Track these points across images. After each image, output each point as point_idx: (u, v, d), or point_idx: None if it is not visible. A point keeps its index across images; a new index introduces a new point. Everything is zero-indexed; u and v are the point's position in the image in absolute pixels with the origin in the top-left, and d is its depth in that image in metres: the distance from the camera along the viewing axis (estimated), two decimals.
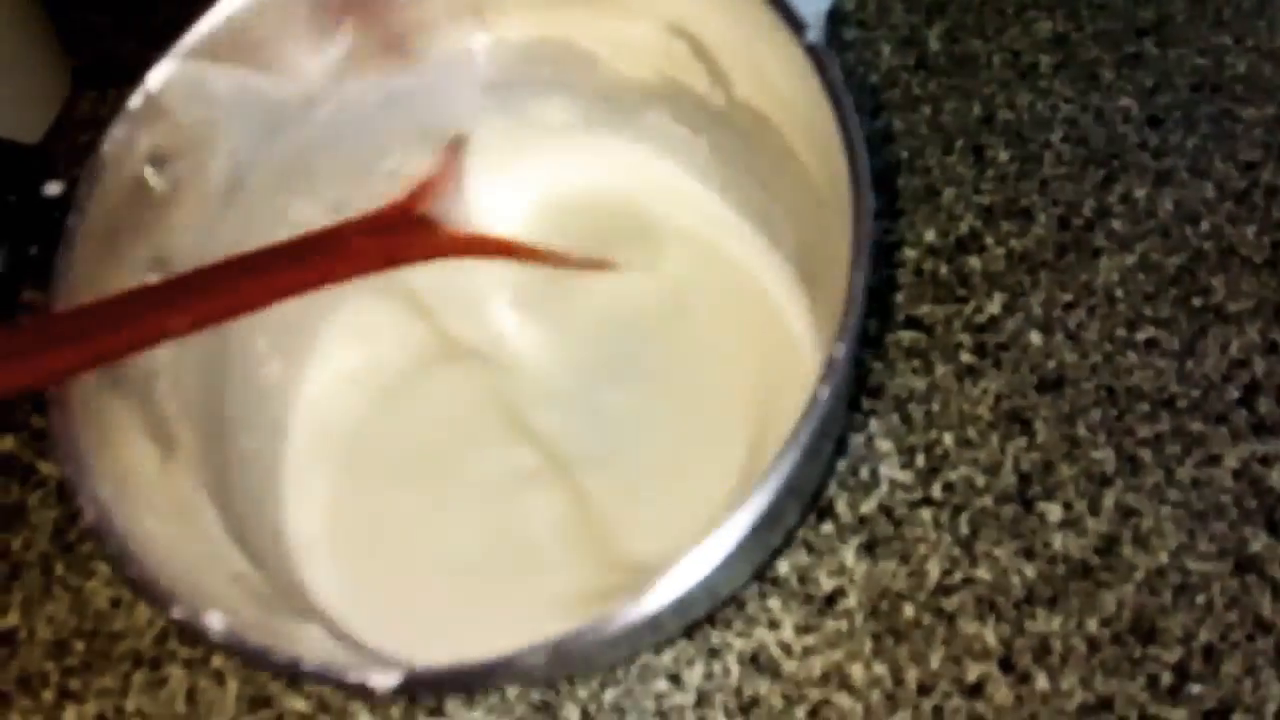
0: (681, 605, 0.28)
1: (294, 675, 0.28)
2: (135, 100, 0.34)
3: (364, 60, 0.39)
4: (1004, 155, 0.51)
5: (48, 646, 0.40)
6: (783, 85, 0.36)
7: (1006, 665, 0.38)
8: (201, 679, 0.39)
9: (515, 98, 0.44)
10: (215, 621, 0.27)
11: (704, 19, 0.38)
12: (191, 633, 0.27)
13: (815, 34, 0.33)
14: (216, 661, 0.39)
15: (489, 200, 0.44)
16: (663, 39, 0.39)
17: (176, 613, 0.27)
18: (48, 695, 0.40)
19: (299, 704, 0.38)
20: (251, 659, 0.27)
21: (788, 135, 0.38)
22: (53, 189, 0.31)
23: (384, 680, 0.26)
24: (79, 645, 0.40)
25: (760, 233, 0.43)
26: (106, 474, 0.30)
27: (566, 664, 0.31)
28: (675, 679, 0.38)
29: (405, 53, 0.41)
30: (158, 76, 0.35)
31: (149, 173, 0.34)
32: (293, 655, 0.27)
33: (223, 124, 0.37)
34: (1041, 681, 0.37)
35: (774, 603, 0.39)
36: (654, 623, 0.28)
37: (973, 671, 0.38)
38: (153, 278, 0.34)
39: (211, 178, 0.37)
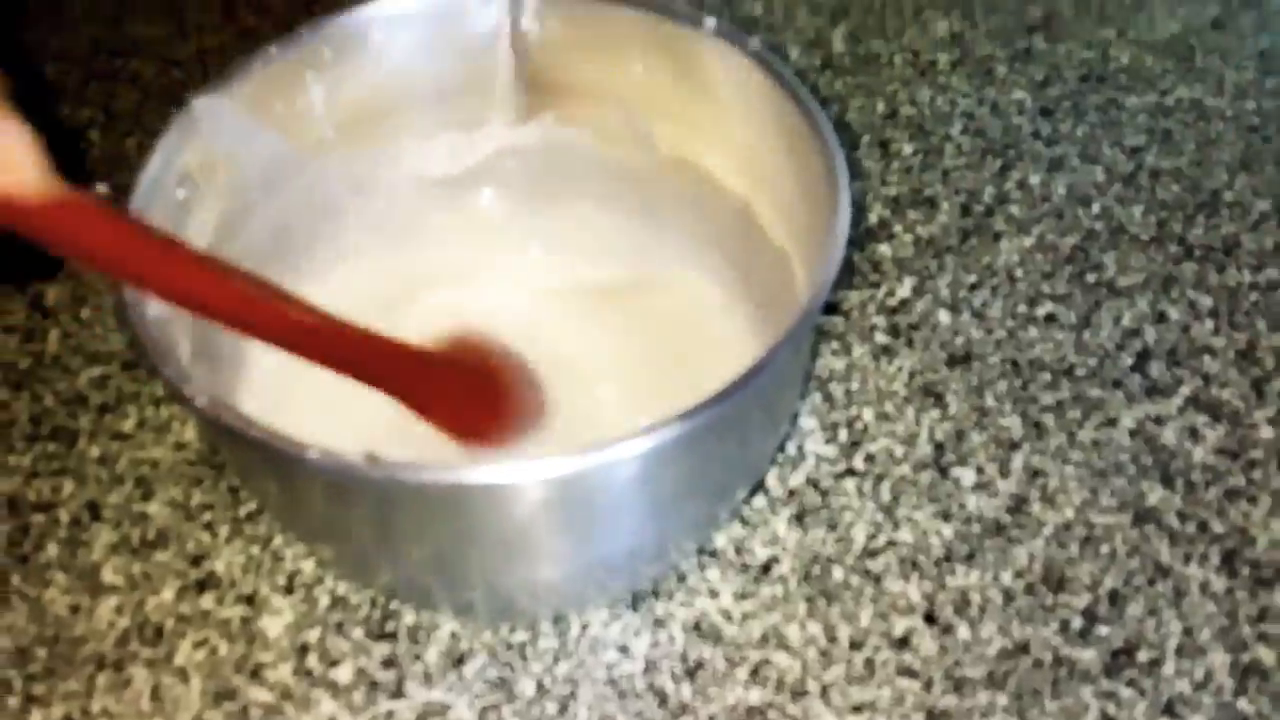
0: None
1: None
2: (181, 117, 0.38)
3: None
4: (908, 149, 0.54)
5: (10, 655, 0.41)
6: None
7: (930, 618, 0.40)
8: (165, 677, 0.40)
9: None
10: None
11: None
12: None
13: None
14: (179, 659, 0.41)
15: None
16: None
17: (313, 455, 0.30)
18: (12, 701, 0.40)
19: (263, 695, 0.40)
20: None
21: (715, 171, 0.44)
22: (100, 189, 0.34)
23: None
24: (40, 652, 0.41)
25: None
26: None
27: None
28: (624, 649, 0.40)
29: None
30: (205, 103, 0.39)
31: (176, 187, 0.38)
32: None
33: (234, 159, 0.40)
34: (963, 631, 0.40)
35: (713, 574, 0.42)
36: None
37: (899, 626, 0.40)
38: None
39: (216, 206, 0.40)
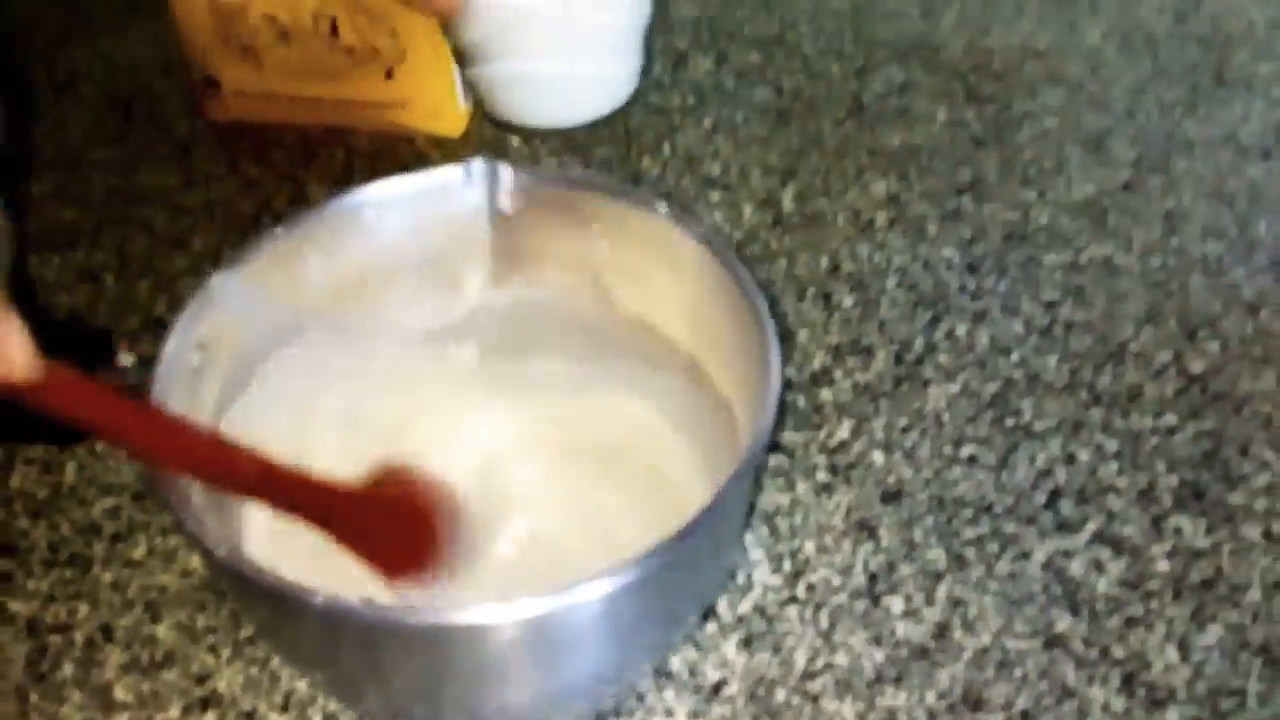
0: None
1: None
2: (202, 292, 0.44)
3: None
4: (848, 300, 0.60)
5: None
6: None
7: None
8: None
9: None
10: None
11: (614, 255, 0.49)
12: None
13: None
14: None
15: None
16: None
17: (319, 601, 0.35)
18: None
19: None
20: None
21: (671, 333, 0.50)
22: (125, 360, 0.39)
23: None
24: None
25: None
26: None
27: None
28: None
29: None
30: (219, 279, 0.44)
31: (192, 353, 0.43)
32: None
33: (241, 325, 0.46)
34: None
35: (669, 694, 0.46)
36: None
37: None
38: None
39: (223, 368, 0.45)
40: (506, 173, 0.48)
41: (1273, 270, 0.62)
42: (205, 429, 0.42)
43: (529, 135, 0.68)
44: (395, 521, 0.45)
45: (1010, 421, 0.55)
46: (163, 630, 0.48)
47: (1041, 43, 0.75)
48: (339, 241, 0.48)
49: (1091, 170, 0.67)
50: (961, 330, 0.58)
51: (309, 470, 0.42)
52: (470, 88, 0.66)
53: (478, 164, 0.48)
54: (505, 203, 0.49)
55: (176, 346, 0.42)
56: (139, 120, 0.71)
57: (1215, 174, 0.67)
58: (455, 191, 0.49)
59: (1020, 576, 0.50)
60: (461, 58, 0.51)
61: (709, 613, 0.49)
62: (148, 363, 0.42)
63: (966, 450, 0.54)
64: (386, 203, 0.48)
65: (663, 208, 0.47)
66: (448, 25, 0.47)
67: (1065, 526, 0.51)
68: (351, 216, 0.48)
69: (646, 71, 0.73)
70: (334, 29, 0.64)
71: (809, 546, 0.51)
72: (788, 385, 0.56)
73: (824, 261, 0.62)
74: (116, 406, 0.38)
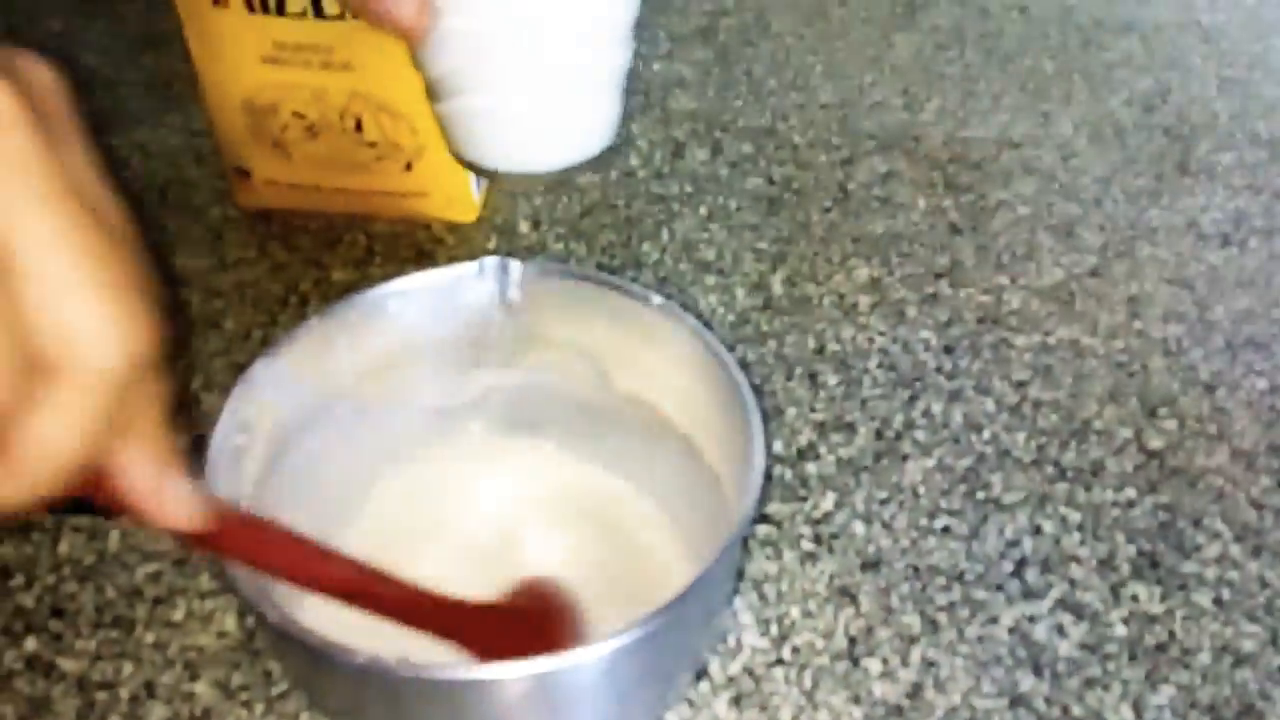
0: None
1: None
2: (245, 377, 0.48)
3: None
4: (833, 380, 0.65)
5: None
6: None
7: None
8: None
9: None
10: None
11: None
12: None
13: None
14: None
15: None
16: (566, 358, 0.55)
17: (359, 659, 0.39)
18: None
19: None
20: None
21: (667, 413, 0.54)
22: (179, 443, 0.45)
23: None
24: None
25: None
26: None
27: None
28: None
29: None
30: (260, 366, 0.49)
31: (237, 435, 0.47)
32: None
33: (278, 407, 0.50)
34: None
35: None
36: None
37: None
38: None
39: (262, 447, 0.50)
40: (515, 267, 0.53)
41: (1228, 351, 0.66)
42: (349, 557, 0.46)
43: (497, 179, 0.66)
44: (525, 631, 0.49)
45: (981, 495, 0.59)
46: (201, 687, 0.53)
47: (1016, 134, 0.81)
48: (365, 329, 0.53)
49: (1061, 256, 0.72)
50: (937, 408, 0.63)
51: (444, 594, 0.47)
52: (440, 128, 0.58)
53: (489, 260, 0.53)
54: (514, 294, 0.54)
55: (225, 428, 0.47)
56: (174, 206, 0.76)
57: (1177, 260, 0.72)
58: (469, 284, 0.54)
59: (988, 640, 0.54)
60: (430, 93, 0.51)
61: (701, 673, 0.53)
62: (195, 442, 0.46)
63: (940, 522, 0.58)
64: (408, 294, 0.53)
65: (657, 299, 0.51)
66: (415, 54, 0.48)
67: (1030, 593, 0.55)
68: (376, 307, 0.53)
69: (647, 162, 0.78)
70: (359, 126, 0.69)
71: (794, 611, 0.55)
72: (776, 459, 0.61)
73: (811, 342, 0.67)
74: (274, 543, 0.43)
